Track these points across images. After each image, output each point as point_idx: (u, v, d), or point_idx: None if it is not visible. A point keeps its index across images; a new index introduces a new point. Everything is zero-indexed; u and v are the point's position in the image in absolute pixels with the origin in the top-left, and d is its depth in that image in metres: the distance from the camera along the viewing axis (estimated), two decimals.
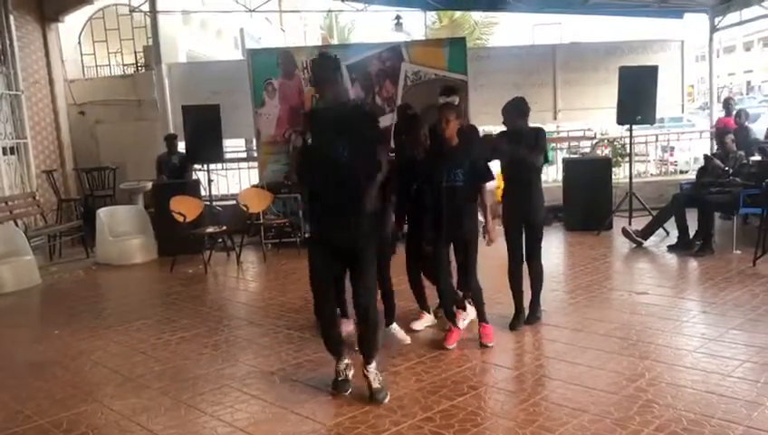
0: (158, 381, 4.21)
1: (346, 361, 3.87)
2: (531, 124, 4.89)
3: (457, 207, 4.36)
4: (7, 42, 8.73)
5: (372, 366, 3.77)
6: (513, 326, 4.82)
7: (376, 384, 3.73)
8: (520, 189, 4.78)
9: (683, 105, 10.86)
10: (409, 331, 4.81)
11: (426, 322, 4.96)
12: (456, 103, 4.73)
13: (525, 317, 4.90)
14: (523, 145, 4.67)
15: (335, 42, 22.42)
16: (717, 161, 7.46)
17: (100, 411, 3.80)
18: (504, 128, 4.88)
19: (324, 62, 3.76)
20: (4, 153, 8.53)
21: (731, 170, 7.30)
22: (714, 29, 10.80)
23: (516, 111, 4.77)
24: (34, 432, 3.56)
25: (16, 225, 8.11)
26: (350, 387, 3.83)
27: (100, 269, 8.14)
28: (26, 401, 3.97)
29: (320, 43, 18.34)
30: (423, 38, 14.62)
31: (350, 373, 3.88)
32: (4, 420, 3.74)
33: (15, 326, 5.92)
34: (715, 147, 9.34)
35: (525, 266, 4.92)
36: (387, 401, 3.68)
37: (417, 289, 4.97)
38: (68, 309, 6.27)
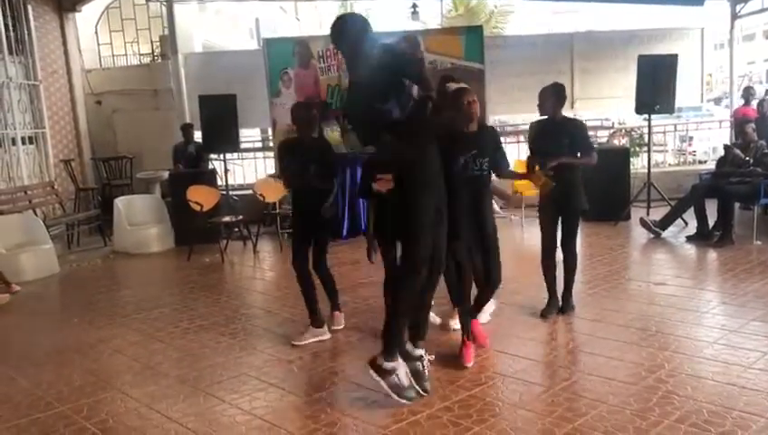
0: (177, 369, 4.24)
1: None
2: (566, 114, 4.80)
3: (480, 200, 4.10)
4: (25, 32, 8.80)
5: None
6: (544, 314, 4.78)
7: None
8: (557, 178, 4.50)
9: (702, 94, 10.72)
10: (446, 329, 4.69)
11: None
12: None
13: (559, 306, 4.85)
14: (557, 136, 4.61)
15: None
16: (737, 151, 7.37)
17: (120, 399, 3.83)
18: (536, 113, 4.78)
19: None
20: (23, 143, 8.61)
21: (751, 160, 7.20)
22: (735, 16, 10.64)
23: (555, 97, 4.64)
24: (56, 418, 3.59)
25: (35, 214, 8.19)
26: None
27: (117, 258, 8.21)
28: (47, 389, 4.02)
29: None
30: (439, 27, 14.53)
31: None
32: (26, 406, 3.78)
33: (35, 314, 5.98)
34: (735, 136, 9.23)
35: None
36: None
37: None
38: (86, 297, 6.33)
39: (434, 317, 4.54)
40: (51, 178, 9.07)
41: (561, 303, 4.86)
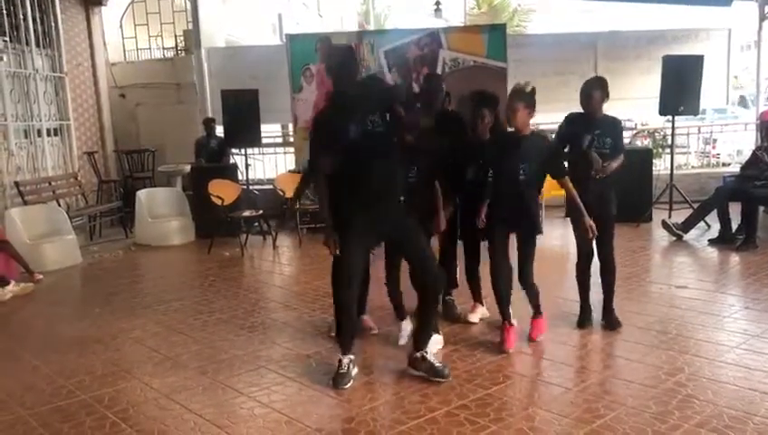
0: (196, 361, 4.28)
1: (352, 356, 3.86)
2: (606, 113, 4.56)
3: (529, 203, 4.15)
4: (52, 24, 8.89)
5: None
6: (581, 324, 4.60)
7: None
8: (590, 181, 4.37)
9: (728, 96, 10.60)
10: (465, 322, 4.75)
11: (481, 313, 4.85)
12: (529, 90, 4.11)
13: (591, 314, 4.66)
14: (601, 134, 4.41)
15: (372, 27, 22.33)
16: (761, 153, 7.26)
17: (140, 389, 3.88)
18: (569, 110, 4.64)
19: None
20: (48, 134, 8.71)
21: None
22: (763, 17, 10.49)
23: (601, 91, 4.40)
24: (78, 406, 3.65)
25: (59, 204, 8.30)
26: (351, 381, 3.79)
27: (138, 250, 8.29)
28: (69, 377, 4.08)
29: (357, 29, 18.28)
30: (462, 24, 14.49)
31: (354, 371, 3.84)
32: (49, 394, 3.84)
33: (58, 303, 6.07)
34: (761, 139, 9.10)
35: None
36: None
37: (473, 281, 4.88)
38: (108, 288, 6.41)
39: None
40: (74, 169, 9.18)
41: (603, 317, 4.64)
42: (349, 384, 3.75)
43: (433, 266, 3.83)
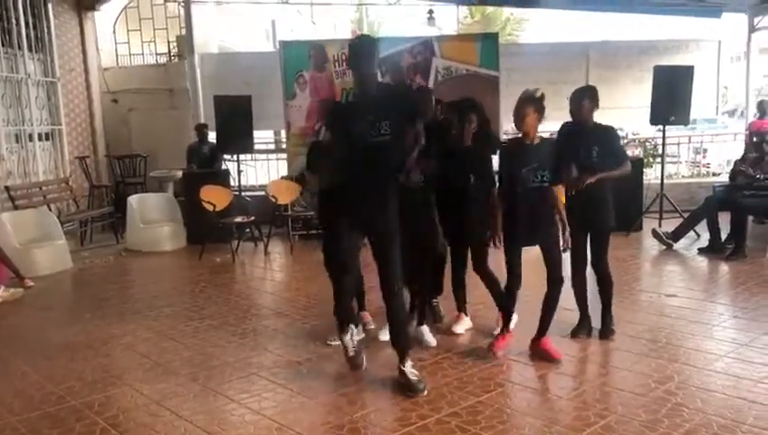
0: (187, 368, 4.27)
1: (351, 328, 3.98)
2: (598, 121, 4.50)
3: (542, 210, 4.06)
4: (45, 29, 8.89)
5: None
6: (575, 334, 4.56)
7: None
8: (585, 192, 4.31)
9: (717, 107, 10.69)
10: (450, 334, 4.73)
11: (466, 324, 4.84)
12: (538, 96, 4.04)
13: (590, 326, 4.60)
14: (587, 144, 4.36)
15: None
16: (745, 167, 7.31)
17: (130, 395, 3.86)
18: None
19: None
20: (40, 139, 8.69)
21: (761, 176, 7.14)
22: (752, 29, 10.61)
23: (590, 99, 4.36)
24: (68, 413, 3.63)
25: (50, 209, 8.27)
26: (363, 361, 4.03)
27: (129, 255, 8.27)
28: (59, 383, 4.06)
29: (350, 37, 18.34)
30: (455, 33, 14.55)
31: (357, 338, 4.01)
32: (38, 400, 3.82)
33: (48, 309, 6.04)
34: (749, 150, 9.17)
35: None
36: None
37: (458, 290, 4.86)
38: (99, 293, 6.39)
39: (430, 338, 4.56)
40: (66, 174, 9.15)
41: (600, 326, 4.58)
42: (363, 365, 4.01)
43: (393, 284, 3.79)
